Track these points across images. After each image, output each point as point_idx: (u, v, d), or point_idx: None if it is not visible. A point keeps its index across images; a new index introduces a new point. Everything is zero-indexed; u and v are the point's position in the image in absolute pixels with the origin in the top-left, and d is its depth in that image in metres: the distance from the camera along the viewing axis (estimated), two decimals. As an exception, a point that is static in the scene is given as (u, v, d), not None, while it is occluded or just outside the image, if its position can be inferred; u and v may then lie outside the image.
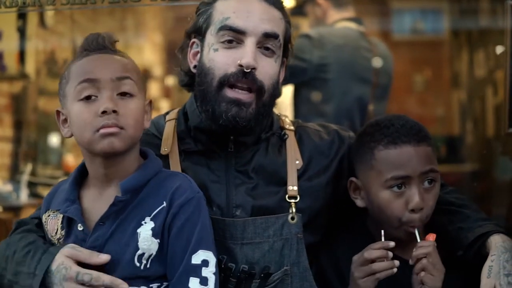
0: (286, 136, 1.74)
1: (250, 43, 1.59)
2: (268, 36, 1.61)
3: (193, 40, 1.70)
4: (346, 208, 1.75)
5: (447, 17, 5.51)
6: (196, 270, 1.42)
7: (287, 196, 1.67)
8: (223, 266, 1.59)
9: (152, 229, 1.43)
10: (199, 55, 1.67)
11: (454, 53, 5.20)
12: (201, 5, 1.69)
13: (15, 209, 3.79)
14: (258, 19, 1.61)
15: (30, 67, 4.49)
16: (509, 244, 1.56)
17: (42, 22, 4.63)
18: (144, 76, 5.71)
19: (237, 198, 1.65)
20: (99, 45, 1.49)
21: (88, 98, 1.43)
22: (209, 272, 1.43)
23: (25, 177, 4.14)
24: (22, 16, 4.17)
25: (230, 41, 1.60)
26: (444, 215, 1.68)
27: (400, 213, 1.62)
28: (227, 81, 1.59)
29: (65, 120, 1.50)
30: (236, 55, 1.59)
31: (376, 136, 1.66)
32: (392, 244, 1.57)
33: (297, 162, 1.71)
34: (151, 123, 1.61)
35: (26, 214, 3.86)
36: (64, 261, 1.44)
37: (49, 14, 4.59)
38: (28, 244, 1.53)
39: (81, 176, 1.54)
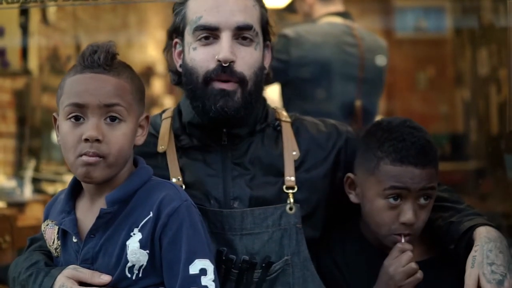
0: (280, 127, 1.75)
1: (225, 37, 1.62)
2: (242, 28, 1.64)
3: (175, 40, 1.73)
4: (341, 203, 1.75)
5: (449, 15, 5.52)
6: (195, 280, 1.40)
7: (284, 186, 1.67)
8: (224, 258, 1.60)
9: (140, 240, 1.41)
10: (182, 54, 1.71)
11: (457, 51, 5.20)
12: (176, 5, 1.72)
13: (19, 205, 3.78)
14: (229, 13, 1.63)
15: (33, 63, 4.48)
16: (493, 234, 1.57)
17: (44, 18, 4.63)
18: (147, 75, 5.71)
19: (234, 190, 1.66)
20: (94, 63, 1.44)
21: (76, 119, 1.42)
22: (208, 280, 1.40)
23: (28, 173, 4.14)
24: (24, 12, 4.17)
25: (206, 38, 1.64)
26: (438, 211, 1.70)
27: (391, 222, 1.64)
28: (210, 78, 1.62)
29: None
30: (214, 51, 1.62)
31: (384, 146, 1.65)
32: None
33: (294, 153, 1.72)
34: None
35: (30, 210, 3.88)
36: (65, 282, 1.44)
37: (52, 10, 4.60)
38: (30, 266, 1.54)
39: (77, 186, 1.52)
